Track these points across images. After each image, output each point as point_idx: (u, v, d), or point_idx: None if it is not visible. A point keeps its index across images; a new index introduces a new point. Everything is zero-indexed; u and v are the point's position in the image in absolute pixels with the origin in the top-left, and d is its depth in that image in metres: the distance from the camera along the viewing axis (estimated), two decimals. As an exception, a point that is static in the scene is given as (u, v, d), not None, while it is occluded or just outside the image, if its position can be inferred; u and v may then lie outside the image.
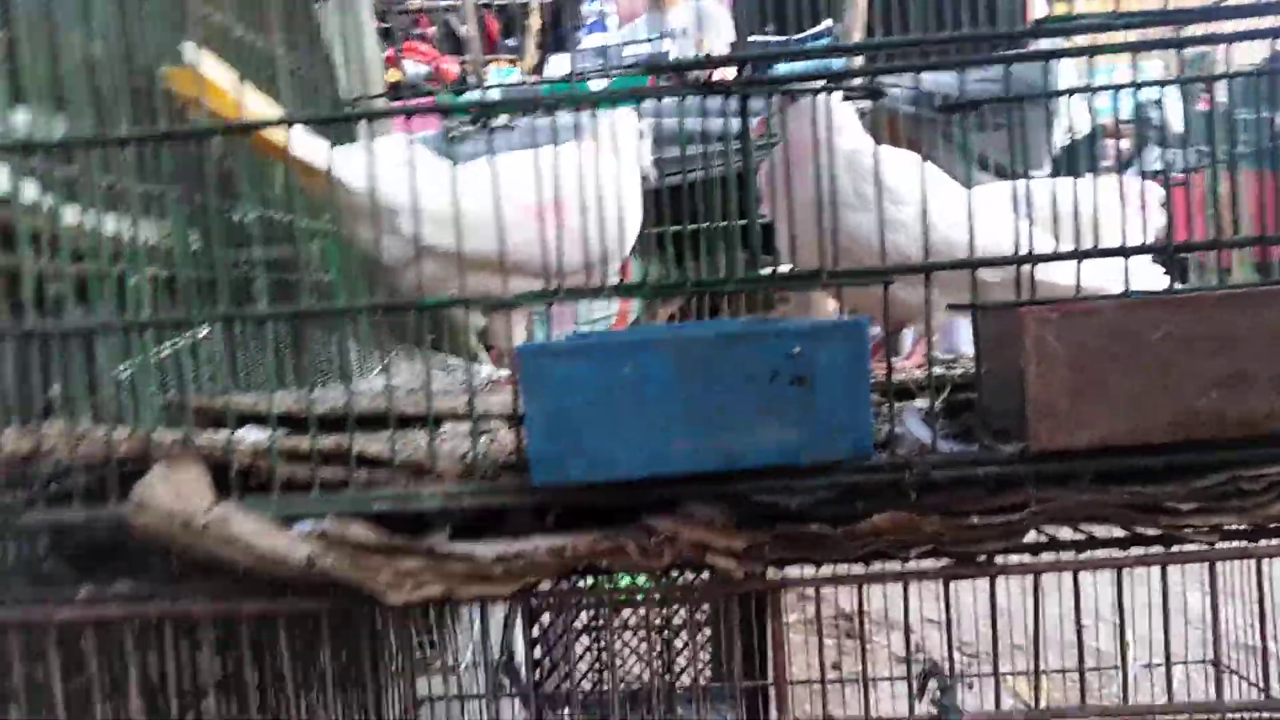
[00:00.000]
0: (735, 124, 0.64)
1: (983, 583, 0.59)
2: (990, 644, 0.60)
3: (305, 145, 0.82)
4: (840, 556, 0.55)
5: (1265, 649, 0.57)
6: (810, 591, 2.31)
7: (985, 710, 0.56)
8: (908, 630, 0.57)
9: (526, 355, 0.55)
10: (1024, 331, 0.55)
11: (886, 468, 0.57)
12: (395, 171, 0.85)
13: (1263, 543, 0.57)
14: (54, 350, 0.61)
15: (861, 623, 0.57)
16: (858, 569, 0.57)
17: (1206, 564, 0.61)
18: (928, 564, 0.58)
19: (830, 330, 0.57)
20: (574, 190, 0.72)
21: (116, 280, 0.67)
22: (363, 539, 0.55)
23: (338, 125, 1.18)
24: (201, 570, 0.63)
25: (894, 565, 0.59)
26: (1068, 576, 0.58)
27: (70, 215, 0.65)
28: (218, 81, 0.75)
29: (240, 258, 0.86)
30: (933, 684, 0.56)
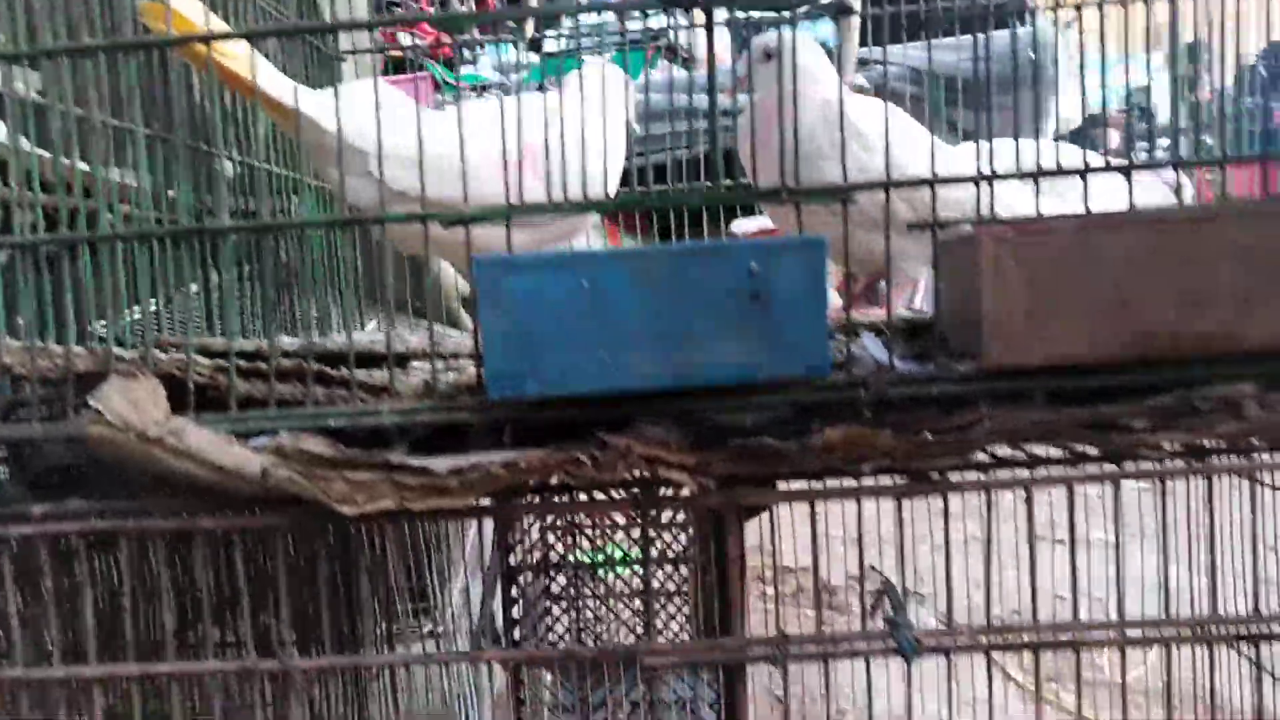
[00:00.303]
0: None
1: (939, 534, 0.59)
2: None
3: (272, 80, 0.81)
4: (793, 471, 0.55)
5: (1214, 569, 0.58)
6: (791, 562, 2.32)
7: (936, 626, 0.56)
8: (861, 550, 0.57)
9: (483, 268, 0.55)
10: (980, 250, 0.55)
11: (842, 386, 0.57)
12: (365, 113, 0.84)
13: (1213, 460, 0.57)
14: (17, 269, 0.61)
15: (814, 538, 0.57)
16: (814, 487, 0.58)
17: (1160, 527, 0.61)
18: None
19: (788, 248, 0.57)
20: (550, 139, 0.72)
21: (88, 216, 0.67)
22: (317, 451, 0.55)
23: (318, 69, 1.18)
24: (159, 489, 0.63)
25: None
26: (1023, 547, 0.59)
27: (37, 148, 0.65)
28: (189, 16, 0.75)
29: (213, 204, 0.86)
30: (885, 602, 0.57)
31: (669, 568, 1.46)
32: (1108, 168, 0.58)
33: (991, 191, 0.58)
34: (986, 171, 0.62)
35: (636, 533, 1.46)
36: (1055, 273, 0.55)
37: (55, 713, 0.59)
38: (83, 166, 0.65)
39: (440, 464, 0.55)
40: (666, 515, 1.43)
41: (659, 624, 1.50)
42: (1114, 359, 0.55)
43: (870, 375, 0.57)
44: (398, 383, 0.60)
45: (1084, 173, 0.58)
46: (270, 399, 0.58)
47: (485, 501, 0.62)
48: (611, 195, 0.94)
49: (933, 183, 0.58)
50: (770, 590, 2.27)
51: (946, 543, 0.58)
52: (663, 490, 0.63)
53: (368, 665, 0.58)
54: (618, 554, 1.65)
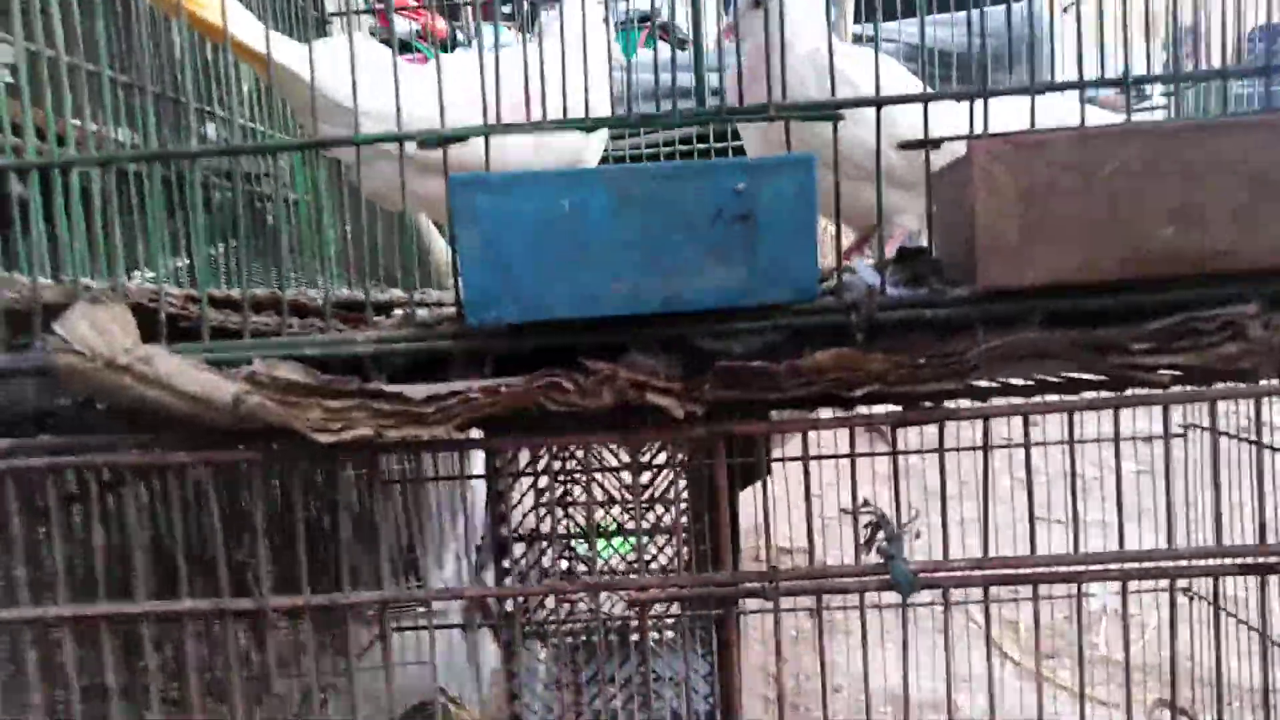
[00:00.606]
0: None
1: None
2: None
3: (244, 26, 0.80)
4: (781, 395, 0.53)
5: (1219, 505, 0.56)
6: (787, 544, 2.30)
7: (931, 559, 0.55)
8: (854, 482, 0.55)
9: (457, 187, 0.53)
10: (973, 165, 0.53)
11: (833, 310, 0.55)
12: (347, 67, 0.83)
13: (1216, 385, 0.55)
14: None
15: (806, 473, 0.55)
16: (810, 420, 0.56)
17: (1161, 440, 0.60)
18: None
19: (775, 166, 0.55)
20: (534, 91, 0.70)
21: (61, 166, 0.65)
22: (291, 378, 0.53)
23: (307, 32, 1.16)
24: (132, 426, 0.61)
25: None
26: (1022, 526, 0.57)
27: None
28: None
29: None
30: (880, 535, 0.55)
31: (660, 539, 1.44)
32: (1102, 82, 0.56)
33: (985, 110, 0.56)
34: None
35: (627, 507, 1.44)
36: (1050, 187, 0.53)
37: (24, 656, 0.57)
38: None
39: (418, 391, 0.53)
40: (660, 487, 1.41)
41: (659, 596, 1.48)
42: (1111, 278, 0.54)
43: (861, 299, 0.55)
44: (376, 317, 0.59)
45: (1081, 85, 0.56)
46: (244, 329, 0.57)
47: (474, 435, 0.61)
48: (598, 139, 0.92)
49: (925, 99, 0.56)
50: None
51: (942, 481, 0.56)
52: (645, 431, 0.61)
53: (349, 604, 0.56)
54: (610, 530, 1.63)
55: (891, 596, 0.55)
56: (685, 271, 0.54)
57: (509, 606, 1.45)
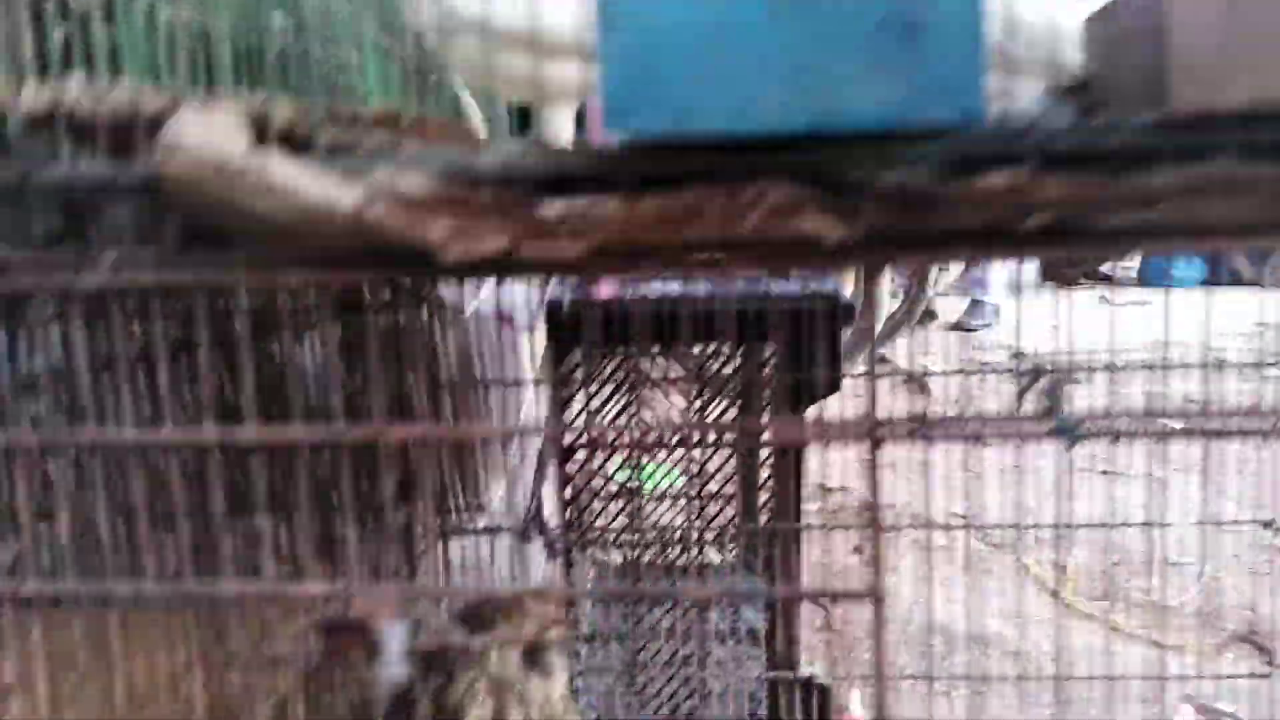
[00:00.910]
0: None
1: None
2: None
3: None
4: (947, 222, 0.49)
5: None
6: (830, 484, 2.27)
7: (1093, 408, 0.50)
8: (1018, 338, 0.51)
9: (602, -15, 0.49)
10: (1170, -26, 0.48)
11: (1002, 135, 0.50)
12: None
13: None
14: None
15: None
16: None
17: None
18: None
19: (946, -25, 0.50)
20: None
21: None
22: (417, 189, 0.49)
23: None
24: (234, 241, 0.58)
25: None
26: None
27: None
28: None
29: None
30: (1041, 383, 0.51)
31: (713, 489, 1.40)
32: None
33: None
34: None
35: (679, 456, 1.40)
36: (1254, 2, 0.48)
37: (168, 471, 0.54)
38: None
39: (550, 208, 0.50)
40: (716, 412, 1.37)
41: (709, 514, 1.45)
42: (1320, 105, 0.48)
43: (1034, 123, 0.50)
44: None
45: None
46: (362, 144, 0.53)
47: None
48: None
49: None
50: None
51: (1111, 329, 0.51)
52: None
53: (461, 437, 0.53)
54: (661, 478, 1.61)
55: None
56: (842, 86, 0.50)
57: (569, 516, 1.42)
